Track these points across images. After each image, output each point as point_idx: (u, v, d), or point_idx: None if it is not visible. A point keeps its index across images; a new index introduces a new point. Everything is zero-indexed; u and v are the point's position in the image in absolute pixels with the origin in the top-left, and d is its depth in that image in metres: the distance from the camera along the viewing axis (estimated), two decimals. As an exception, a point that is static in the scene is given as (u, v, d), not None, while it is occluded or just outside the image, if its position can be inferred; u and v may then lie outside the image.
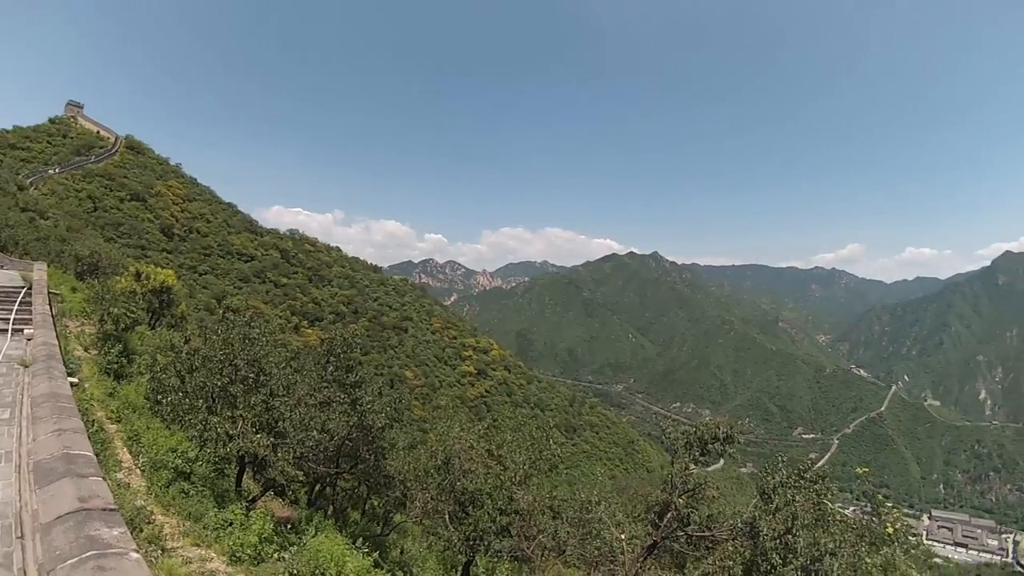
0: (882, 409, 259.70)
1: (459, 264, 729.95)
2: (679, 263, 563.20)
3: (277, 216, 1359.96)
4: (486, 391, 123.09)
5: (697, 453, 14.18)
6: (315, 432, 15.14)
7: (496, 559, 18.03)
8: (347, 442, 17.86)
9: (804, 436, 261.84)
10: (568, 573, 16.23)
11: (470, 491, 16.62)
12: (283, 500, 18.79)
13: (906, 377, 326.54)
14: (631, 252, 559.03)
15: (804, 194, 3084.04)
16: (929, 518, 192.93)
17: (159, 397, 14.71)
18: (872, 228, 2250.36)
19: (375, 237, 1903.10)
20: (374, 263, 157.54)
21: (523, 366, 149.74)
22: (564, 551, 15.66)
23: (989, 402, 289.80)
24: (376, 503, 25.59)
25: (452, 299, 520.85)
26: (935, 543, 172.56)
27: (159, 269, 28.43)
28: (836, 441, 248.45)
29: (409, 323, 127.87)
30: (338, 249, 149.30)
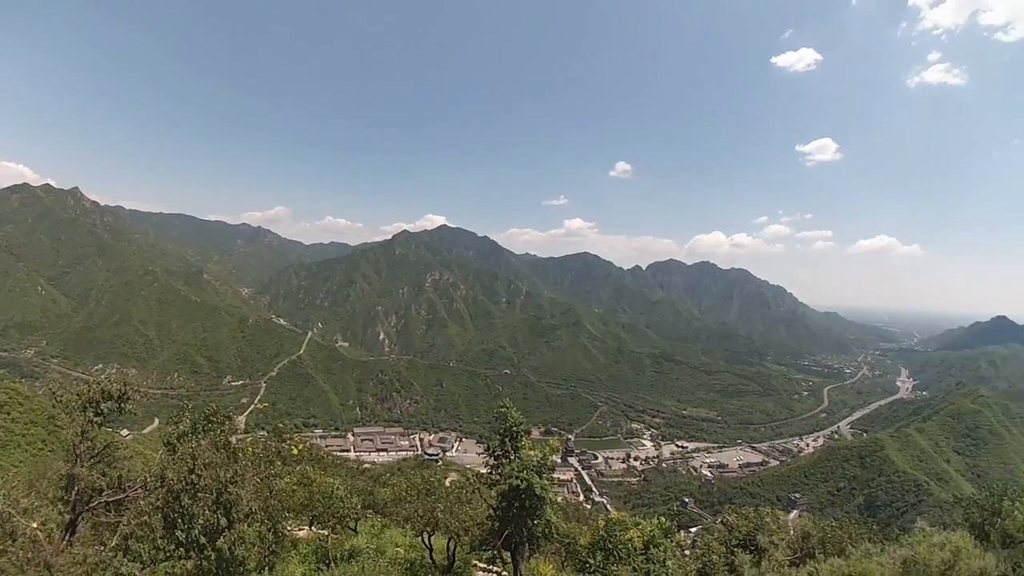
0: (301, 352, 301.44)
1: None
2: (102, 204, 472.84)
3: None
4: None
5: (92, 414, 13.75)
6: None
7: None
8: None
9: (234, 383, 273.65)
10: None
11: None
12: None
13: (320, 324, 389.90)
14: (47, 184, 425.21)
15: (236, 151, 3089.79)
16: (353, 435, 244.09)
17: None
18: (298, 194, 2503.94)
19: None
20: None
21: None
22: None
23: (387, 341, 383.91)
24: None
25: None
26: (362, 452, 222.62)
27: None
28: (264, 384, 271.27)
29: None
30: None
